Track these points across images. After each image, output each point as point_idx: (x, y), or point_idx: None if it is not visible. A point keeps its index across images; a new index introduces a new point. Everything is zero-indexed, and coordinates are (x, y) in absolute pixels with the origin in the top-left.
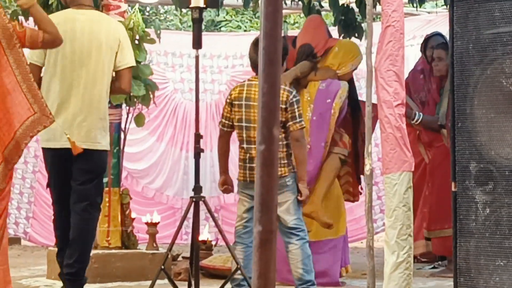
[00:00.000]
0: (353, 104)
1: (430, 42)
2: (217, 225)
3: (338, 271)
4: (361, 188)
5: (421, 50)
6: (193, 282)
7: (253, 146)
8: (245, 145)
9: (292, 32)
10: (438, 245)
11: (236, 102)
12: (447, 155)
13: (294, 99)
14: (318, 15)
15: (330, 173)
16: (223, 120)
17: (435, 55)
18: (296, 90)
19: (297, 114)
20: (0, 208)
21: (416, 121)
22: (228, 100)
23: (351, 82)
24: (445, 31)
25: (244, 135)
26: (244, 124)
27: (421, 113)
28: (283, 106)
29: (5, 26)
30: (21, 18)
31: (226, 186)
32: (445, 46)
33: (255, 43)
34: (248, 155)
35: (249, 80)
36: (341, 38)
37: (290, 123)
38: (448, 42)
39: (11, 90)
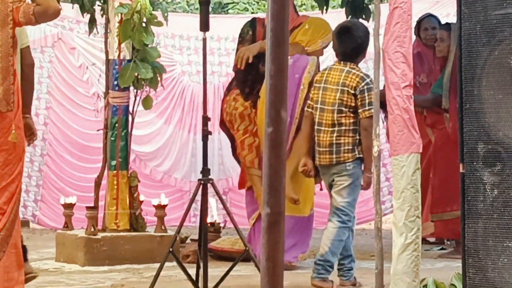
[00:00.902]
0: None
1: (423, 24)
2: (225, 208)
3: (295, 250)
4: None
5: (415, 33)
6: (201, 264)
7: (322, 128)
8: (315, 127)
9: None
10: (440, 228)
11: (317, 85)
12: (448, 138)
13: (366, 87)
14: None
15: (300, 150)
16: (308, 101)
17: (438, 35)
18: (263, 65)
19: (366, 101)
20: (11, 190)
21: None
22: (314, 83)
23: None
24: (452, 12)
25: (317, 117)
26: (319, 105)
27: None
28: (352, 92)
29: (6, 4)
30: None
31: (304, 168)
32: (447, 27)
33: (339, 32)
34: (316, 138)
35: (332, 64)
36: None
37: (360, 110)
38: (440, 22)
39: None
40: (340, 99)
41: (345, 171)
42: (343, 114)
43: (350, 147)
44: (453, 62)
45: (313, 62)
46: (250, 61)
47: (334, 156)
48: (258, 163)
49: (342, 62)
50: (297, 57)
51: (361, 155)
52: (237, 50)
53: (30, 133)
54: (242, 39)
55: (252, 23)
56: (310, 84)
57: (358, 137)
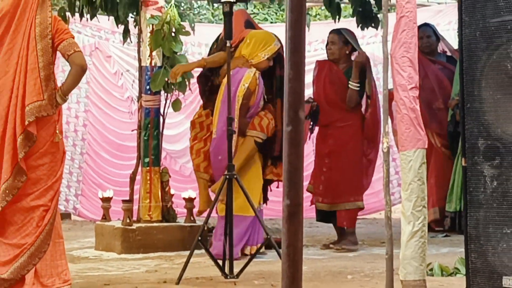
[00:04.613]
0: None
1: (419, 33)
2: (248, 200)
3: (239, 248)
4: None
5: None
6: (227, 251)
7: None
8: None
9: (313, 23)
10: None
11: None
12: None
13: None
14: (242, 9)
15: (241, 155)
16: None
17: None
18: (216, 78)
19: None
20: (54, 189)
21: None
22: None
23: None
24: (454, 20)
25: None
26: None
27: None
28: None
29: (45, 17)
30: (68, 14)
31: None
32: (338, 32)
33: None
34: None
35: None
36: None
37: None
38: (436, 31)
39: (30, 71)
40: None
41: None
42: None
43: None
44: None
45: (249, 75)
46: (179, 76)
47: None
48: (205, 167)
49: None
50: (237, 70)
51: None
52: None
53: None
54: (210, 51)
55: (217, 38)
56: (248, 95)
57: None
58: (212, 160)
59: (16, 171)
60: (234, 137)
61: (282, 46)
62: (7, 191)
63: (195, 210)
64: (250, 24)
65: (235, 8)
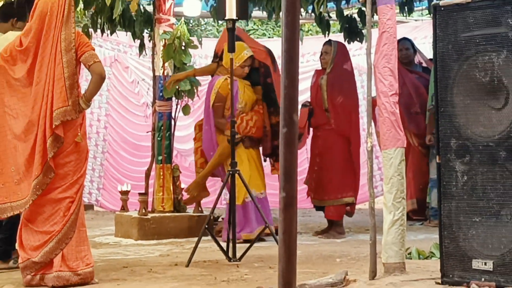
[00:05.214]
0: (268, 100)
1: (398, 46)
2: (249, 192)
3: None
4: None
5: None
6: (230, 238)
7: None
8: None
9: (306, 38)
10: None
11: None
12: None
13: None
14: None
15: (217, 154)
16: None
17: (323, 50)
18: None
19: None
20: (80, 183)
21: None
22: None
23: (267, 84)
24: (429, 35)
25: None
26: None
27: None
28: None
29: (69, 33)
30: (91, 30)
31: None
32: (330, 42)
33: None
34: None
35: None
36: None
37: None
38: (413, 44)
39: (57, 81)
40: None
41: None
42: None
43: None
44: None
45: (219, 81)
46: (172, 84)
47: None
48: (201, 163)
49: None
50: (214, 78)
51: None
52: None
53: None
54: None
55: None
56: (220, 98)
57: None
58: (206, 156)
59: (45, 169)
60: (210, 136)
61: (269, 54)
62: (37, 186)
63: (202, 201)
64: (237, 38)
65: (237, 24)
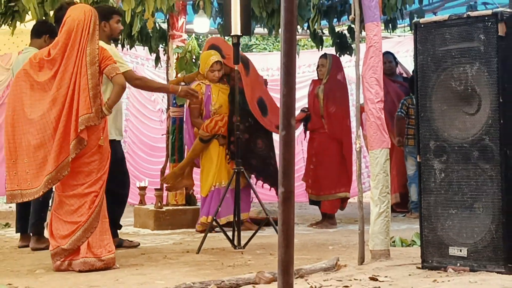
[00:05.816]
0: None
1: (383, 59)
2: (252, 188)
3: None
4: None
5: None
6: (236, 228)
7: None
8: None
9: (302, 52)
10: (327, 206)
11: None
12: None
13: None
14: (214, 37)
15: (191, 149)
16: None
17: (319, 63)
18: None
19: None
20: (103, 179)
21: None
22: None
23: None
24: (410, 48)
25: None
26: None
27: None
28: None
29: (94, 48)
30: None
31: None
32: (326, 56)
33: None
34: None
35: None
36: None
37: None
38: (395, 57)
39: (82, 91)
40: None
41: None
42: None
43: None
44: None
45: (193, 86)
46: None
47: None
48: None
49: None
50: (190, 84)
51: None
52: None
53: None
54: None
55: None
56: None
57: None
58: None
59: (60, 167)
60: (191, 132)
61: (241, 61)
62: (49, 181)
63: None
64: (215, 47)
65: (241, 40)
